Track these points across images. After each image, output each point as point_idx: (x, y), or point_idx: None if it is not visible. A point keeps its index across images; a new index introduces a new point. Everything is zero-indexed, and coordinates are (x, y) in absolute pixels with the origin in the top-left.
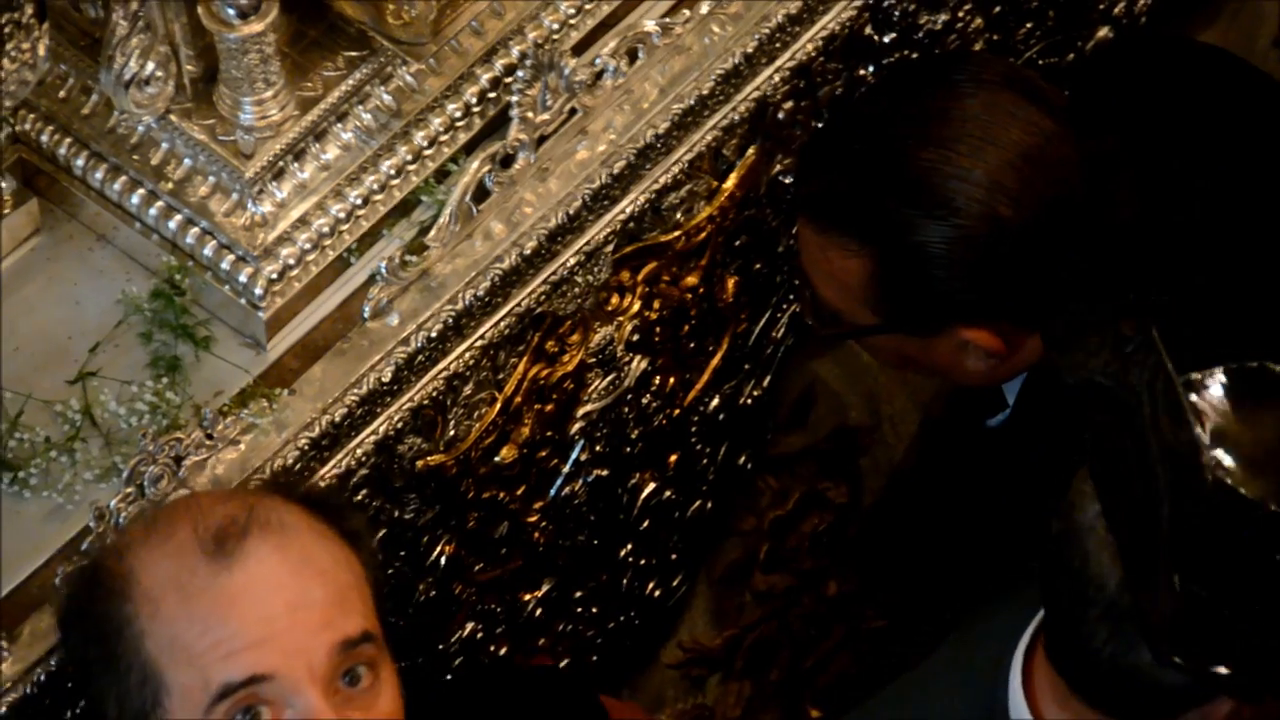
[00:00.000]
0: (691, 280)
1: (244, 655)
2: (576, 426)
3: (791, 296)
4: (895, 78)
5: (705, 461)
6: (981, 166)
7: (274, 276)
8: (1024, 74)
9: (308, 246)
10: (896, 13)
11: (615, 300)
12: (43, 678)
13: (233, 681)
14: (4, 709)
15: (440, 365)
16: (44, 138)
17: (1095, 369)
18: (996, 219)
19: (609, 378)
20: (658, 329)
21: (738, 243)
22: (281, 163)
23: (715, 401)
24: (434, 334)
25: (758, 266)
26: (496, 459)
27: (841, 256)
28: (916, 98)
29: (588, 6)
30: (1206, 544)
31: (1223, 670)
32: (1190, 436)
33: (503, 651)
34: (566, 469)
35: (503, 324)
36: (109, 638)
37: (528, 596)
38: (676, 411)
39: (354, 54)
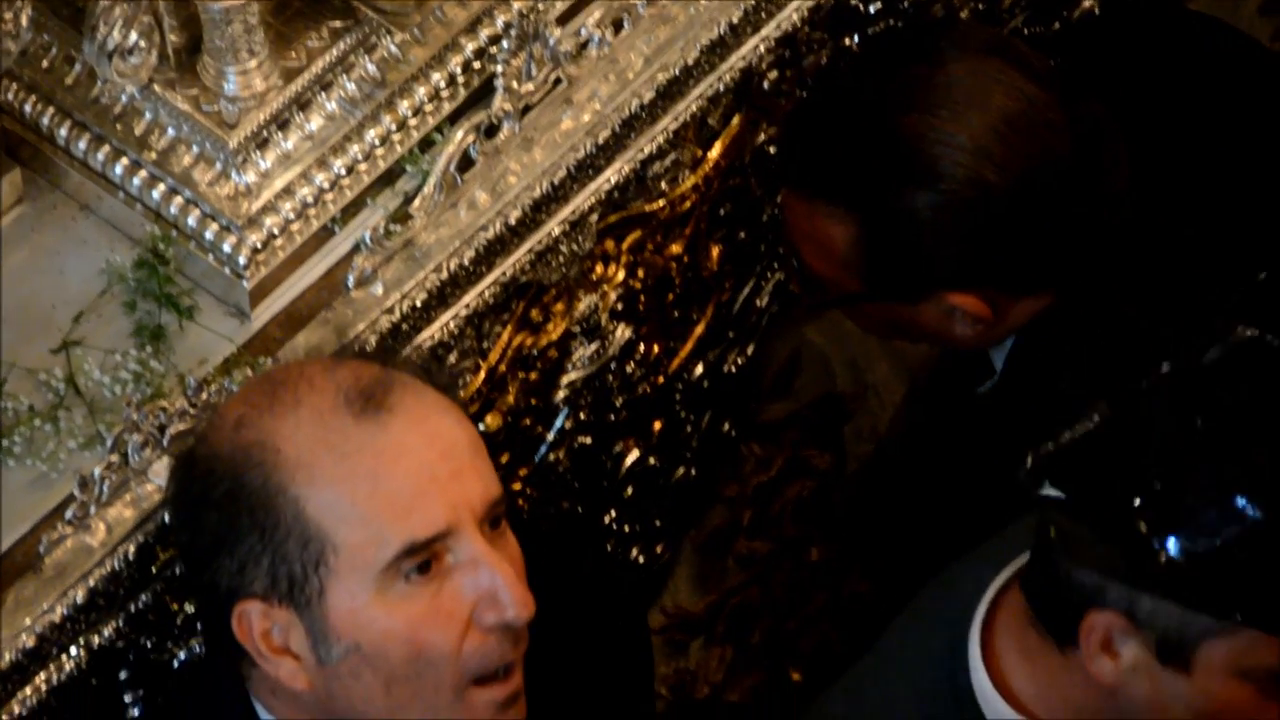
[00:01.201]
0: (676, 249)
1: (419, 511)
2: (561, 394)
3: (776, 265)
4: (879, 46)
5: (689, 429)
6: (966, 132)
7: (258, 246)
8: (1008, 40)
9: (292, 216)
10: None
11: (600, 269)
12: (29, 644)
13: (418, 539)
14: None
15: (424, 334)
16: (27, 108)
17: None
18: (982, 184)
19: (593, 346)
20: (642, 297)
21: (722, 211)
22: (265, 132)
23: (699, 369)
24: (418, 303)
25: (742, 235)
26: (481, 427)
27: (827, 225)
28: (900, 65)
29: None
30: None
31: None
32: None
33: None
34: (551, 437)
35: (487, 293)
36: (255, 509)
37: None
38: (661, 379)
39: (338, 24)
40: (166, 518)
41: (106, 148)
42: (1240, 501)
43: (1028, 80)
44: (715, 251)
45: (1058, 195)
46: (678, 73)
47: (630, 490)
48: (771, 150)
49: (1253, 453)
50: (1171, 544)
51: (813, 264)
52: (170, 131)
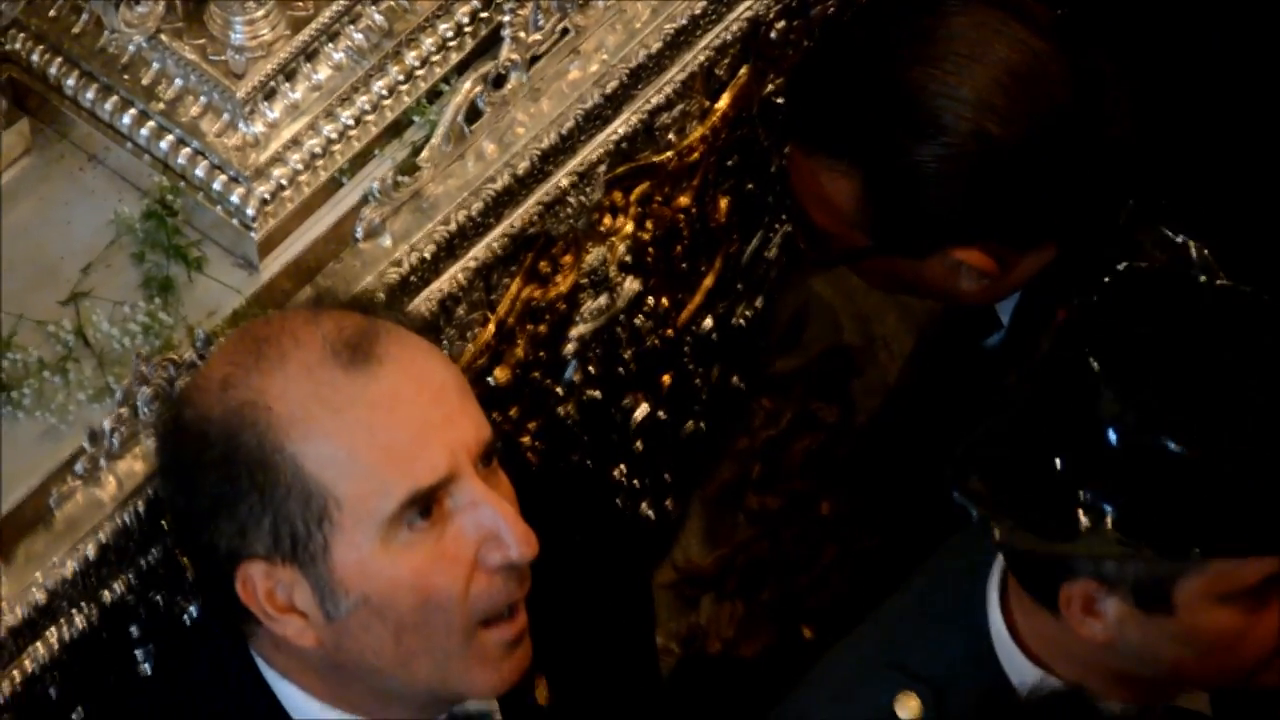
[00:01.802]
0: (684, 200)
1: (420, 458)
2: (569, 347)
3: (784, 216)
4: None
5: (698, 382)
6: (969, 84)
7: (266, 197)
8: None
9: (299, 167)
10: None
11: (608, 221)
12: (39, 599)
13: (421, 487)
14: (2, 632)
15: (433, 286)
16: (34, 57)
17: None
18: (986, 137)
19: (602, 298)
20: (650, 249)
21: (730, 162)
22: (273, 83)
23: (708, 322)
24: (427, 255)
25: (750, 186)
26: (490, 380)
27: (831, 179)
28: (903, 18)
29: None
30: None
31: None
32: None
33: None
34: (560, 390)
35: (495, 245)
36: (252, 470)
37: None
38: (669, 332)
39: None
40: (160, 484)
41: (114, 97)
42: (1161, 439)
43: (1030, 32)
44: (723, 203)
45: (1061, 147)
46: (685, 22)
47: (639, 444)
48: (779, 101)
49: (1157, 389)
50: (1107, 506)
51: (818, 220)
52: (178, 81)
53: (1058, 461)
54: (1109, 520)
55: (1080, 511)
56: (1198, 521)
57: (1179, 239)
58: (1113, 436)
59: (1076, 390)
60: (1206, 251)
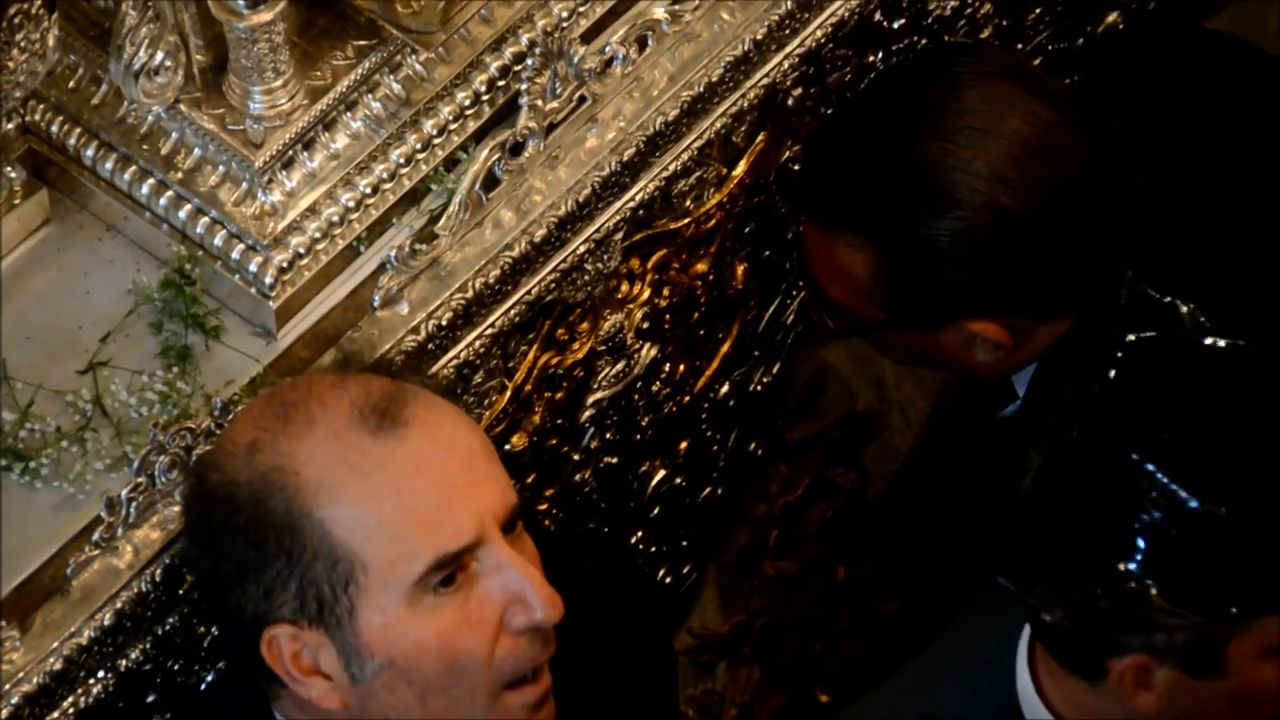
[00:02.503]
0: (701, 267)
1: (446, 523)
2: (587, 414)
3: (801, 283)
4: (894, 73)
5: (715, 448)
6: (983, 158)
7: (284, 265)
8: (1023, 64)
9: (317, 235)
10: None
11: (625, 288)
12: (56, 667)
13: (448, 551)
14: (16, 699)
15: (451, 353)
16: (54, 128)
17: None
18: (1000, 210)
19: (619, 365)
20: (668, 316)
21: (747, 229)
22: (291, 152)
23: (725, 388)
24: (444, 322)
25: (767, 253)
26: (507, 447)
27: (846, 253)
28: (916, 92)
29: None
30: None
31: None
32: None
33: None
34: (577, 456)
35: (513, 312)
36: (280, 534)
37: None
38: (687, 398)
39: (363, 43)
40: (186, 547)
41: (133, 167)
42: (1199, 506)
43: (1043, 104)
44: (740, 269)
45: (1075, 218)
46: (702, 90)
47: (657, 510)
48: (796, 168)
49: (1189, 457)
50: (1149, 580)
51: (833, 293)
52: (196, 151)
53: (1098, 543)
54: (1154, 592)
55: (1126, 588)
56: (1241, 581)
57: (1166, 300)
58: (1152, 510)
59: (1109, 469)
60: (1194, 307)
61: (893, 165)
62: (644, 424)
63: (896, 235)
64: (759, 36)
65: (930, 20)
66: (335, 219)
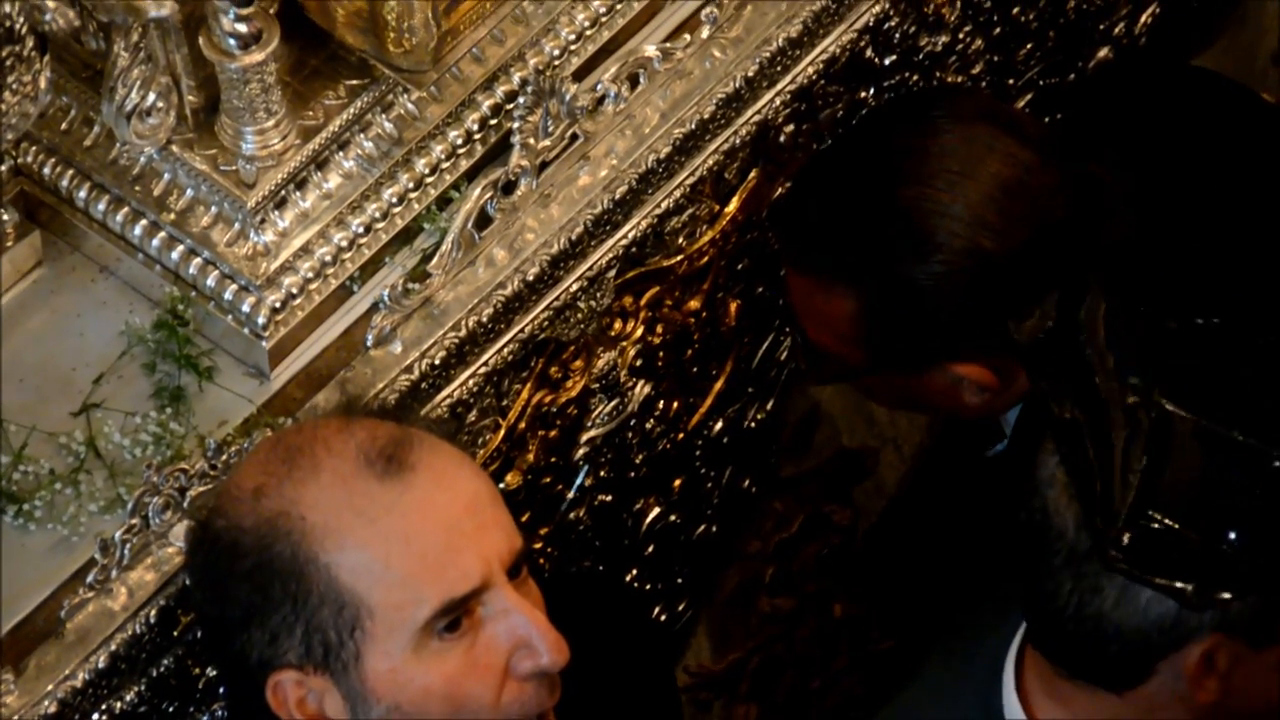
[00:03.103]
0: (694, 304)
1: (452, 568)
2: (581, 452)
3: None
4: (871, 119)
5: (710, 485)
6: (961, 201)
7: (277, 305)
8: (1000, 107)
9: (310, 275)
10: (897, 35)
11: (618, 325)
12: (51, 710)
13: (455, 597)
14: None
15: (444, 392)
16: (46, 170)
17: (1042, 326)
18: (981, 252)
19: (613, 403)
20: (661, 354)
21: (740, 266)
22: (283, 192)
23: (719, 425)
24: (437, 361)
25: (760, 290)
26: (501, 485)
27: (829, 300)
28: (893, 137)
29: (588, 32)
30: (1162, 468)
31: (1169, 584)
32: (1117, 380)
33: None
34: (571, 495)
35: (506, 350)
36: (285, 580)
37: None
38: (680, 436)
39: (355, 82)
40: (190, 592)
41: (125, 209)
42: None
43: (1021, 145)
44: (733, 307)
45: (1057, 258)
46: (694, 127)
47: (651, 548)
48: (777, 217)
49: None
50: (1232, 536)
51: (818, 339)
52: (189, 192)
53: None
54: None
55: (1223, 563)
56: None
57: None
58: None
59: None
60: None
61: (873, 211)
62: (638, 462)
63: (879, 280)
64: (750, 73)
65: (921, 57)
66: (328, 258)
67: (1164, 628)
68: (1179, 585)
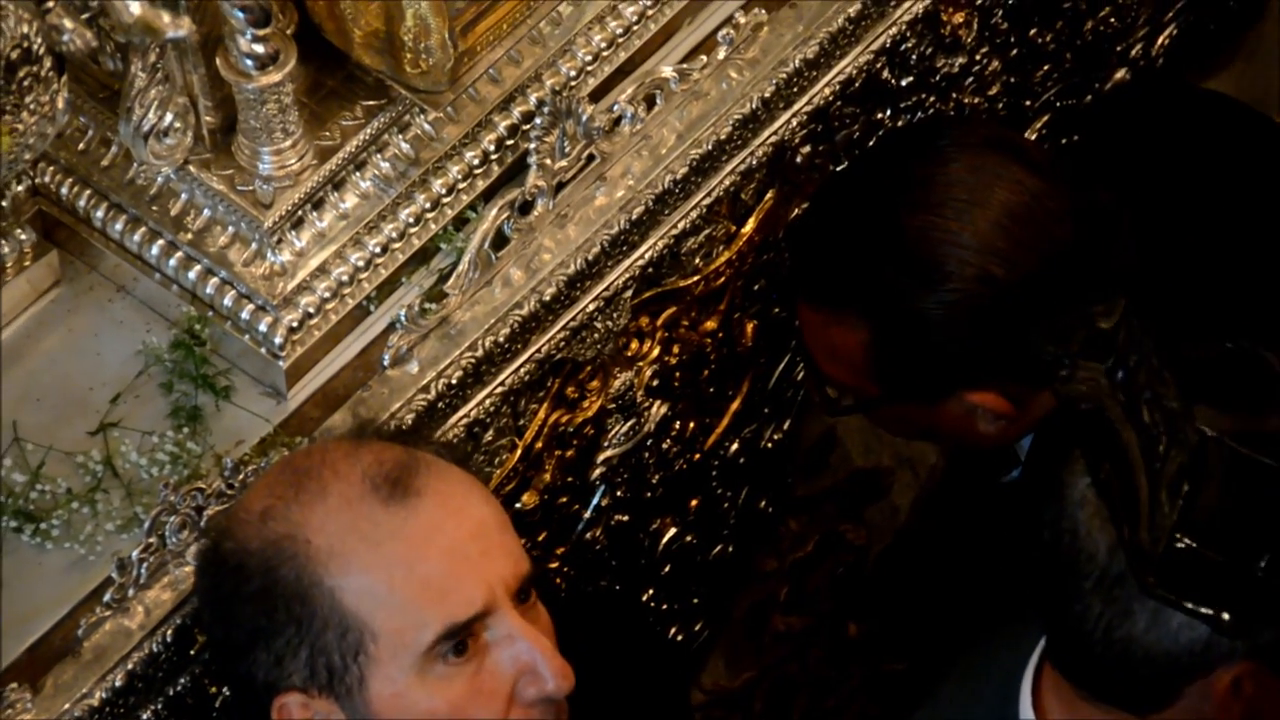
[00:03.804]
0: (711, 325)
1: (455, 592)
2: (597, 472)
3: None
4: (879, 149)
5: (726, 505)
6: (970, 229)
7: (294, 325)
8: (1006, 134)
9: (327, 295)
10: (914, 56)
11: (635, 346)
12: None
13: (458, 621)
14: None
15: (460, 412)
16: (64, 190)
17: (1075, 350)
18: (991, 280)
19: (629, 423)
20: (677, 374)
21: (756, 287)
22: (300, 212)
23: (735, 445)
24: (454, 381)
25: (776, 310)
26: (518, 505)
27: (841, 332)
28: (901, 166)
29: (605, 53)
30: (1199, 494)
31: (1206, 611)
32: (1176, 400)
33: None
34: (587, 514)
35: (522, 370)
36: (290, 603)
37: None
38: (697, 456)
39: (372, 103)
40: (199, 612)
41: (143, 229)
42: None
43: (1028, 172)
44: (750, 327)
45: (1066, 283)
46: (710, 148)
47: (668, 568)
48: (785, 250)
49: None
50: (1263, 563)
51: (830, 371)
52: (206, 212)
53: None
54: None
55: (1256, 590)
56: None
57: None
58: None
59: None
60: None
61: (881, 242)
62: (654, 482)
63: (889, 311)
64: (767, 94)
65: (938, 78)
66: (345, 278)
67: (1194, 653)
68: (1215, 613)
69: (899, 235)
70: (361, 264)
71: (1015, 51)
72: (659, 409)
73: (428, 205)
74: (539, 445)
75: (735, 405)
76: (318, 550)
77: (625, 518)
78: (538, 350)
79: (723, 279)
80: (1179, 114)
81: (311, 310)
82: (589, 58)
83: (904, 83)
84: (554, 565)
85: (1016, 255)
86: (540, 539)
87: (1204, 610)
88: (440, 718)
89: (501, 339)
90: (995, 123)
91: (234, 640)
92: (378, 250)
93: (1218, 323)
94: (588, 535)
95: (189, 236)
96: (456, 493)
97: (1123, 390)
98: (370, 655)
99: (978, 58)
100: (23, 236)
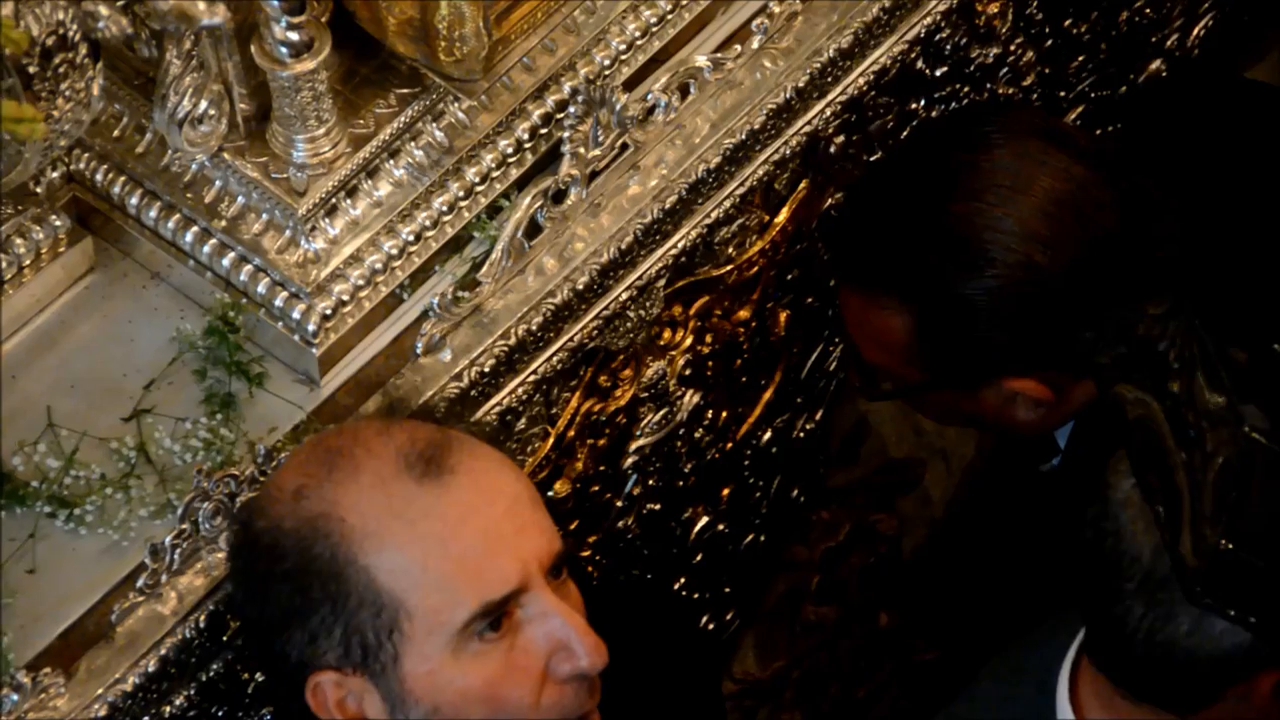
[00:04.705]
0: (743, 314)
1: (490, 570)
2: (629, 461)
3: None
4: (923, 134)
5: (758, 495)
6: (1014, 215)
7: (327, 313)
8: (1051, 121)
9: (360, 283)
10: (948, 47)
11: (667, 335)
12: (101, 714)
13: (493, 599)
14: None
15: (493, 400)
16: (98, 176)
17: (1123, 345)
18: (1034, 267)
19: (661, 412)
20: (710, 363)
21: (789, 277)
22: (334, 199)
23: (768, 435)
24: (487, 369)
25: (809, 300)
26: (550, 493)
27: (883, 317)
28: (945, 153)
29: (639, 42)
30: (1245, 500)
31: (1251, 619)
32: (1225, 397)
33: None
34: (620, 503)
35: (555, 359)
36: (325, 581)
37: None
38: (729, 445)
39: (406, 91)
40: (231, 592)
41: (177, 216)
42: None
43: (1073, 160)
44: (783, 317)
45: (1109, 272)
46: (744, 138)
47: (699, 557)
48: (830, 234)
49: None
50: None
51: (872, 356)
52: (240, 199)
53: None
54: None
55: None
56: None
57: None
58: None
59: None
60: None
61: (926, 227)
62: (687, 471)
63: (933, 296)
64: (801, 84)
65: (972, 68)
66: (378, 266)
67: (1237, 657)
68: (1260, 620)
69: (943, 220)
70: (395, 252)
71: (1050, 42)
72: (691, 398)
73: (461, 193)
74: (571, 434)
75: (768, 395)
76: (352, 529)
77: (657, 506)
78: (570, 339)
79: (756, 268)
80: (1223, 104)
81: (345, 298)
82: (623, 46)
83: (938, 73)
84: (586, 554)
85: (1060, 242)
86: (572, 527)
87: (1249, 618)
88: (474, 695)
89: (534, 327)
90: (1041, 110)
91: (268, 619)
92: (411, 238)
93: (1264, 322)
94: (620, 524)
95: (223, 223)
96: (489, 470)
97: (1170, 402)
98: (405, 633)
99: (1012, 48)
100: (57, 223)
